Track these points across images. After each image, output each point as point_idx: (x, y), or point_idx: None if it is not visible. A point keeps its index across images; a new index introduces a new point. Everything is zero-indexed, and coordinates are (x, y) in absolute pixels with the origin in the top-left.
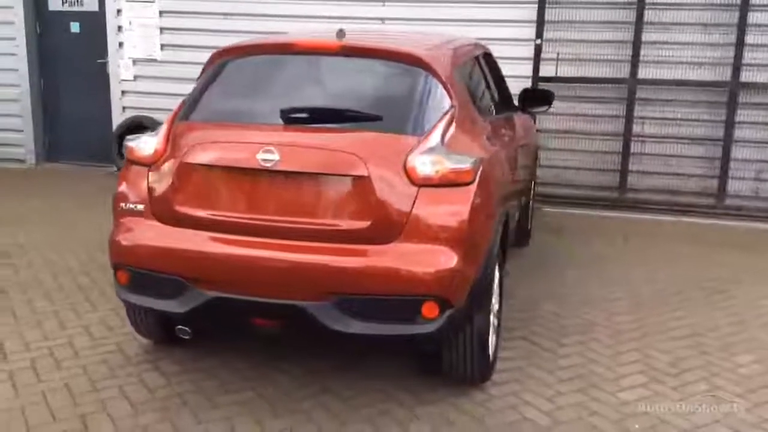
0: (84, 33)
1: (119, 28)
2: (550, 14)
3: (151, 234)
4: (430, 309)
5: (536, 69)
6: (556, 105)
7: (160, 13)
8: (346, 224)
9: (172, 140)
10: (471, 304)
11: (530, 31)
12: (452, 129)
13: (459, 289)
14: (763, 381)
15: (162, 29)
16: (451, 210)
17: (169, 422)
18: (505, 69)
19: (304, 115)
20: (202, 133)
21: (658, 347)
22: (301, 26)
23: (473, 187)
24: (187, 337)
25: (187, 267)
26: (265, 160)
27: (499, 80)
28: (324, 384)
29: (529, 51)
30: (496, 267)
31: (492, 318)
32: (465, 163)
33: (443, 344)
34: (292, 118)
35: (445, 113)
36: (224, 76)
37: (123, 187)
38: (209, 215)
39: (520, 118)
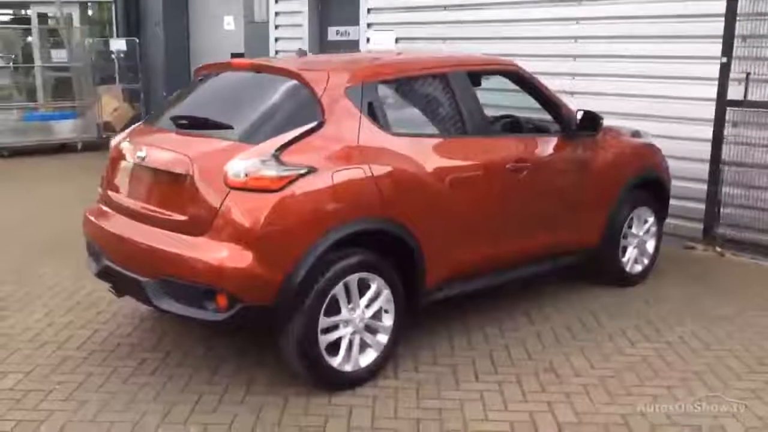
0: None
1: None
2: (740, 28)
3: (95, 212)
4: (221, 300)
5: (722, 91)
6: (747, 134)
7: (397, 39)
8: (174, 215)
9: (126, 139)
10: (280, 306)
11: (718, 48)
12: (303, 141)
13: (251, 288)
14: None
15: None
16: (251, 213)
17: (79, 384)
18: (690, 89)
19: (185, 122)
20: (136, 134)
21: (581, 413)
22: (492, 49)
23: (282, 195)
24: (114, 293)
25: (94, 238)
26: (138, 157)
27: (541, 99)
28: (227, 371)
29: (716, 70)
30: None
31: (349, 329)
32: (273, 171)
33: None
34: (179, 124)
35: (303, 126)
36: (185, 89)
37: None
38: (114, 198)
39: (573, 143)
